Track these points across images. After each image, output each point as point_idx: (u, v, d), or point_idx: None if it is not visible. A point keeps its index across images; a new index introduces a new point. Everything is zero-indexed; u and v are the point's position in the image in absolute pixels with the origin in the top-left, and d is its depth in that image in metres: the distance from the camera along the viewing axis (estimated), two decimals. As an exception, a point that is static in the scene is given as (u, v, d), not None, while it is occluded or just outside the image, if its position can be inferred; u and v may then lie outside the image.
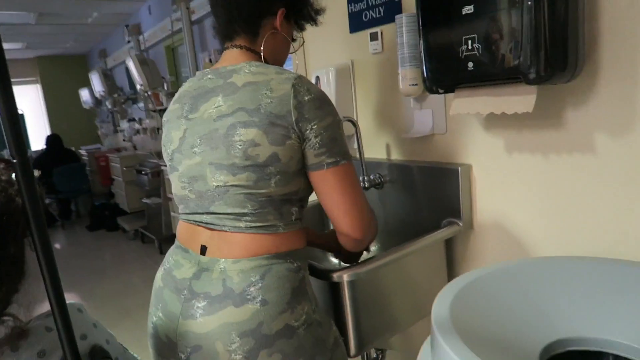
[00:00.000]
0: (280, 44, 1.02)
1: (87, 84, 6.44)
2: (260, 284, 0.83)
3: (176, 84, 4.52)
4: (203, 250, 0.89)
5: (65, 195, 6.01)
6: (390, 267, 1.13)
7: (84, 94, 6.58)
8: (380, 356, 1.48)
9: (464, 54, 0.95)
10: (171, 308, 0.88)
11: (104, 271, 4.22)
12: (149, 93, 4.12)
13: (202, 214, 0.90)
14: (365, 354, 1.45)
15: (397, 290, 1.17)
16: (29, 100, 7.72)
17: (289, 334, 0.84)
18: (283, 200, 0.89)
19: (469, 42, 0.94)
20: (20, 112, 7.88)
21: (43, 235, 0.66)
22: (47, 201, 5.92)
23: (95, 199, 6.05)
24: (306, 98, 0.85)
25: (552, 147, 1.04)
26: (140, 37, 4.70)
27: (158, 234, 4.34)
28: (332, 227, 0.99)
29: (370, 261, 1.06)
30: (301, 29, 1.08)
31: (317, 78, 1.54)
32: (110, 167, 5.32)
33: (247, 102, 0.85)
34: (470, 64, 0.94)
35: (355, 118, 1.54)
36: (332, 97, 1.50)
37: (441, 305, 0.77)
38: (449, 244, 1.31)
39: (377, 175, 1.45)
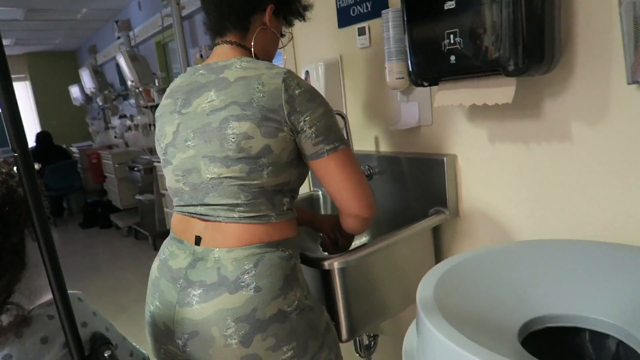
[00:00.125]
0: (270, 39, 1.05)
1: (77, 80, 6.40)
2: (253, 272, 0.87)
3: (167, 80, 4.52)
4: (198, 240, 0.93)
5: (57, 193, 5.99)
6: (380, 254, 1.17)
7: (74, 91, 6.54)
8: (372, 342, 1.52)
9: (447, 47, 0.99)
10: (168, 297, 0.91)
11: (98, 268, 4.23)
12: (140, 89, 4.12)
13: (197, 205, 0.93)
14: (358, 340, 1.50)
15: (387, 277, 1.21)
16: (18, 97, 7.62)
17: (282, 318, 0.87)
18: (275, 191, 0.92)
19: (451, 36, 0.97)
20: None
21: (44, 226, 0.69)
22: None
23: (87, 196, 6.04)
24: (297, 92, 0.89)
25: (532, 136, 1.09)
26: (131, 33, 4.69)
27: (152, 230, 4.36)
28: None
29: (359, 249, 1.10)
30: (290, 24, 1.11)
31: (307, 73, 1.58)
32: (103, 164, 5.31)
33: (240, 96, 0.88)
34: (453, 58, 0.98)
35: (344, 111, 1.58)
36: (322, 91, 1.53)
37: (425, 287, 0.81)
38: (436, 231, 1.35)
39: (367, 167, 1.49)
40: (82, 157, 5.88)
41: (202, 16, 1.06)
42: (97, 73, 5.75)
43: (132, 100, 4.88)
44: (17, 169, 0.67)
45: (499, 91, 0.98)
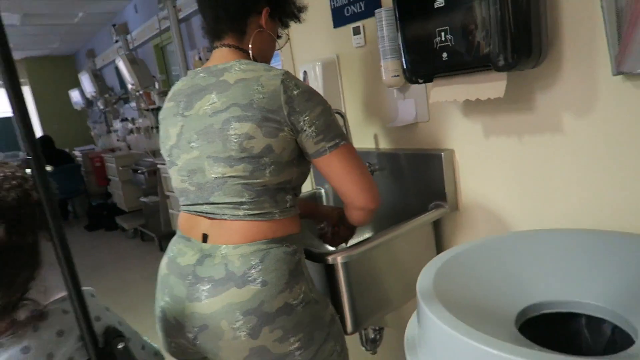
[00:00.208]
0: (267, 41, 1.08)
1: (76, 84, 6.43)
2: (259, 267, 0.91)
3: (167, 83, 4.55)
4: (204, 238, 0.96)
5: (62, 196, 6.04)
6: (382, 249, 1.21)
7: (75, 95, 6.57)
8: (377, 336, 1.56)
9: (438, 45, 1.02)
10: (177, 292, 0.95)
11: (105, 269, 4.28)
12: (141, 92, 4.15)
13: (202, 204, 0.97)
14: (363, 334, 1.54)
15: (389, 270, 1.25)
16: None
17: (289, 311, 0.91)
18: (277, 189, 0.96)
19: (442, 33, 1.00)
20: (8, 114, 7.86)
21: (58, 226, 0.73)
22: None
23: (92, 199, 6.09)
24: (295, 92, 0.92)
25: (524, 129, 1.12)
26: (128, 37, 4.71)
27: (157, 231, 4.41)
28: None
29: (362, 244, 1.14)
30: (285, 26, 1.14)
31: (305, 73, 1.61)
32: (106, 167, 5.35)
33: (240, 97, 0.91)
34: (445, 55, 1.01)
35: (343, 110, 1.61)
36: (320, 91, 1.56)
37: (425, 277, 0.84)
38: (436, 225, 1.39)
39: (367, 164, 1.52)
40: (85, 161, 5.92)
41: (200, 19, 1.09)
42: (97, 77, 5.78)
43: (133, 104, 4.92)
44: (30, 172, 0.70)
45: (491, 86, 1.01)
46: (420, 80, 1.14)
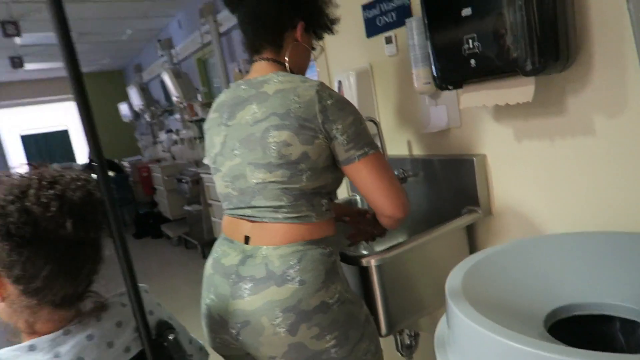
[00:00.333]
0: (302, 53, 1.15)
1: (124, 98, 6.78)
2: (298, 267, 0.96)
3: (209, 95, 4.74)
4: (247, 239, 1.03)
5: (111, 206, 6.32)
6: (415, 252, 1.24)
7: (123, 108, 6.93)
8: (413, 342, 1.58)
9: (467, 52, 1.05)
10: (221, 290, 1.02)
11: (151, 275, 4.46)
12: (185, 104, 4.34)
13: (244, 208, 1.04)
14: (399, 339, 1.56)
15: (423, 273, 1.27)
16: (72, 116, 8.19)
17: (325, 309, 0.96)
18: (314, 193, 1.01)
19: (470, 41, 1.04)
20: (64, 127, 8.32)
21: (118, 224, 0.80)
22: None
23: (139, 207, 6.36)
24: (329, 102, 0.98)
25: (556, 132, 1.13)
26: (173, 51, 4.95)
27: (200, 239, 4.56)
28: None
29: (395, 247, 1.18)
30: (319, 38, 1.20)
31: (340, 82, 1.66)
32: (152, 177, 5.59)
33: (278, 107, 0.98)
34: (473, 61, 1.05)
35: (377, 118, 1.65)
36: (354, 99, 1.61)
37: (454, 277, 0.87)
38: (470, 230, 1.40)
39: (401, 170, 1.55)
40: (133, 171, 6.21)
41: (240, 34, 1.16)
42: (144, 90, 6.07)
43: (177, 115, 5.14)
44: (95, 176, 0.78)
45: (519, 91, 1.03)
46: (450, 87, 1.17)
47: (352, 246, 1.34)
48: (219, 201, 3.98)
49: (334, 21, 1.19)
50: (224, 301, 1.01)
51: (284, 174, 0.98)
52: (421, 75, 1.34)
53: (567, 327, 0.80)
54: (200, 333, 1.07)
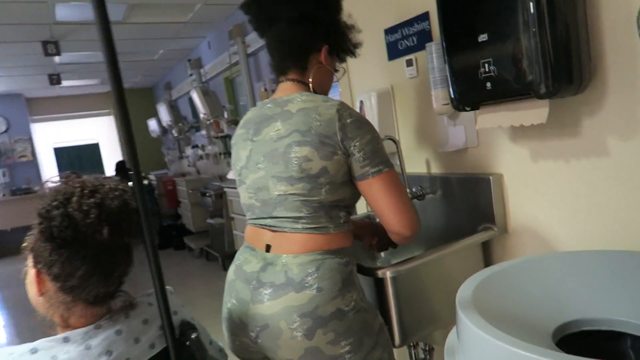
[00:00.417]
0: (325, 75, 1.22)
1: (154, 114, 7.01)
2: (315, 275, 1.01)
3: (235, 112, 4.87)
4: (268, 248, 1.09)
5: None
6: (430, 266, 1.27)
7: (152, 124, 7.15)
8: (427, 356, 1.59)
9: (483, 75, 1.10)
10: (242, 295, 1.07)
11: (172, 286, 4.54)
12: (211, 121, 4.48)
13: (266, 218, 1.10)
14: (414, 353, 1.58)
15: (437, 287, 1.30)
16: (104, 130, 8.49)
17: (340, 316, 1.00)
18: (332, 206, 1.07)
19: (486, 65, 1.09)
20: (95, 141, 8.60)
21: (150, 232, 0.87)
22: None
23: (163, 220, 6.50)
24: (348, 120, 1.04)
25: (571, 153, 1.16)
26: (202, 70, 5.13)
27: (221, 252, 4.64)
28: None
29: (410, 260, 1.21)
30: (342, 61, 1.27)
31: (361, 102, 1.73)
32: (177, 191, 5.74)
33: (300, 124, 1.05)
34: (489, 84, 1.09)
35: (397, 137, 1.70)
36: (375, 119, 1.67)
37: (465, 289, 0.90)
38: (486, 247, 1.43)
39: (419, 187, 1.59)
40: (158, 184, 6.37)
41: (267, 56, 1.24)
42: (173, 107, 6.28)
43: (204, 132, 5.29)
44: (132, 185, 0.85)
45: (534, 113, 1.07)
46: (467, 108, 1.22)
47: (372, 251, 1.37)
48: (241, 215, 4.07)
49: (356, 45, 1.26)
50: (244, 305, 1.06)
51: (304, 187, 1.04)
52: (440, 97, 1.39)
53: (575, 342, 0.81)
54: (219, 341, 1.12)
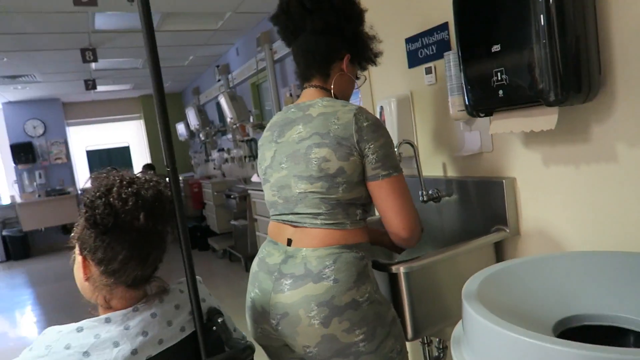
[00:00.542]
0: (347, 82, 1.30)
1: (182, 118, 7.22)
2: (332, 267, 1.09)
3: (260, 117, 5.00)
4: (289, 242, 1.17)
5: (163, 218, 6.68)
6: (443, 264, 1.33)
7: (180, 128, 7.36)
8: (441, 354, 1.64)
9: (495, 83, 1.16)
10: (265, 286, 1.16)
11: (197, 284, 4.67)
12: (237, 125, 4.61)
13: (288, 214, 1.18)
14: (427, 350, 1.63)
15: (450, 284, 1.36)
16: (134, 133, 8.77)
17: (355, 306, 1.07)
18: (349, 204, 1.14)
19: (498, 74, 1.15)
20: (126, 144, 8.87)
21: (183, 221, 0.96)
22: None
23: (187, 221, 6.66)
24: (365, 124, 1.12)
25: (581, 159, 1.20)
26: (229, 76, 5.28)
27: (244, 253, 4.75)
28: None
29: (423, 257, 1.28)
30: (363, 69, 1.35)
31: (382, 107, 1.80)
32: (203, 193, 5.89)
33: (320, 127, 1.13)
34: (501, 92, 1.15)
35: (415, 141, 1.77)
36: (395, 123, 1.74)
37: (472, 283, 0.96)
38: (498, 248, 1.48)
39: (435, 190, 1.65)
40: (185, 187, 6.55)
41: (293, 63, 1.33)
42: (200, 112, 6.46)
43: (229, 135, 5.44)
44: (168, 178, 0.94)
45: (544, 119, 1.13)
46: (482, 114, 1.28)
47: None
48: (264, 216, 4.16)
49: (377, 54, 1.34)
50: (266, 295, 1.14)
51: (323, 186, 1.12)
52: (456, 103, 1.45)
53: (576, 336, 0.82)
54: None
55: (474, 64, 1.23)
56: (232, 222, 4.99)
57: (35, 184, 7.58)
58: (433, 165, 1.72)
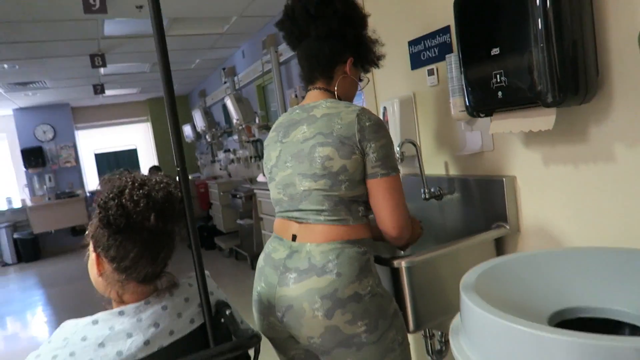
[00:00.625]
0: (350, 84, 1.34)
1: (188, 120, 7.28)
2: (335, 261, 1.13)
3: (266, 118, 5.05)
4: (294, 238, 1.21)
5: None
6: (444, 258, 1.37)
7: (186, 129, 7.43)
8: (443, 348, 1.68)
9: (495, 85, 1.20)
10: (270, 280, 1.20)
11: (203, 284, 4.72)
12: (243, 126, 4.66)
13: (293, 211, 1.22)
14: (429, 344, 1.67)
15: (451, 279, 1.39)
16: (141, 136, 8.86)
17: (358, 299, 1.11)
18: (351, 201, 1.18)
19: (498, 76, 1.18)
20: (133, 146, 8.96)
21: (193, 220, 1.01)
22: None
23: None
24: (367, 124, 1.16)
25: (580, 158, 1.24)
26: (235, 78, 5.33)
27: (250, 251, 4.80)
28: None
29: (425, 252, 1.31)
30: (366, 71, 1.39)
31: (385, 108, 1.84)
32: (209, 193, 5.95)
33: (324, 128, 1.17)
34: (500, 93, 1.19)
35: (417, 141, 1.80)
36: (397, 124, 1.78)
37: (470, 276, 0.99)
38: (499, 244, 1.51)
39: (437, 188, 1.69)
40: (191, 187, 6.59)
41: (298, 66, 1.37)
42: (207, 114, 6.52)
43: (235, 136, 5.49)
44: (178, 179, 0.99)
45: (542, 120, 1.16)
46: (482, 115, 1.31)
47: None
48: (269, 215, 4.19)
49: (379, 57, 1.38)
50: (272, 288, 1.19)
51: (326, 183, 1.16)
52: (457, 104, 1.48)
53: (571, 328, 0.80)
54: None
55: (474, 66, 1.27)
56: (238, 221, 5.04)
57: (45, 187, 7.68)
58: (435, 164, 1.75)
